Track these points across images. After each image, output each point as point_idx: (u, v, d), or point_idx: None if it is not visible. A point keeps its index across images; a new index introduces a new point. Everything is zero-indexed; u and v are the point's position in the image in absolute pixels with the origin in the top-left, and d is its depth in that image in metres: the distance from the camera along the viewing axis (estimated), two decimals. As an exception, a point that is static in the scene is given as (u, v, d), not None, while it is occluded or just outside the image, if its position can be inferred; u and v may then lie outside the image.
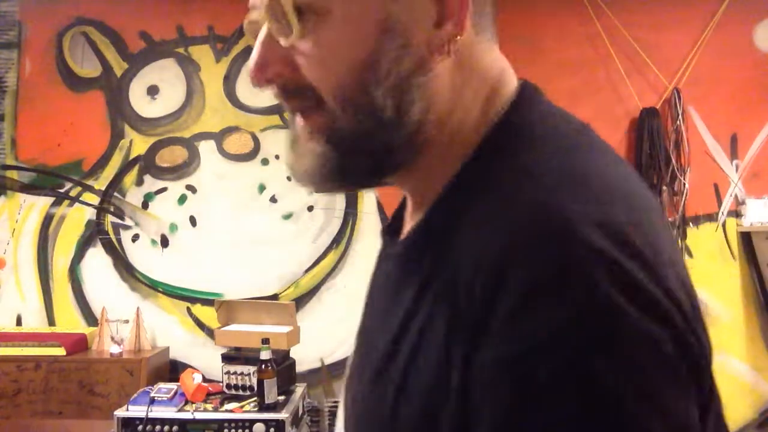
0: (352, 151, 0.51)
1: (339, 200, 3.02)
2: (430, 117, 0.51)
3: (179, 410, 2.30)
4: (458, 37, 0.49)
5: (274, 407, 2.30)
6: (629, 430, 0.38)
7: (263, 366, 2.29)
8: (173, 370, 2.92)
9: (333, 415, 2.92)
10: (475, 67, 0.52)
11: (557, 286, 0.39)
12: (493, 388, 0.41)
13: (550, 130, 0.51)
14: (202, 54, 3.04)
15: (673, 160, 2.90)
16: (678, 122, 2.91)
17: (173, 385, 2.41)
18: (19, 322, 2.99)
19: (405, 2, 0.48)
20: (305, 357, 2.88)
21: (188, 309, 3.00)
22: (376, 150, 0.51)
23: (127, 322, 2.89)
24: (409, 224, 0.59)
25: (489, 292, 0.41)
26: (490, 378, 0.41)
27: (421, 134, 0.51)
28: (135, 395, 2.37)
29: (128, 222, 3.02)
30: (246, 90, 3.03)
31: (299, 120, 0.54)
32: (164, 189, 3.03)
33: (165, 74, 3.04)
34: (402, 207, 0.65)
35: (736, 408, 2.89)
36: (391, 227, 0.64)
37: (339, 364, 2.97)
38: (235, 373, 2.42)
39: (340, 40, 0.48)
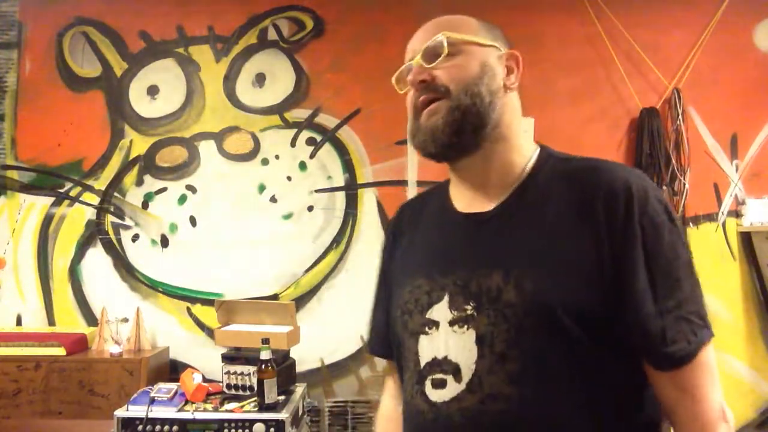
0: (465, 120, 0.92)
1: (339, 200, 3.02)
2: (501, 123, 0.95)
3: (179, 410, 2.30)
4: (515, 85, 0.97)
5: (274, 407, 2.30)
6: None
7: (263, 366, 2.29)
8: (173, 370, 2.92)
9: (333, 414, 2.92)
10: (517, 107, 0.99)
11: (656, 197, 0.86)
12: (657, 236, 0.84)
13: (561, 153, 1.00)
14: (202, 54, 3.04)
15: (673, 160, 2.90)
16: (678, 122, 2.91)
17: (173, 385, 2.41)
18: (19, 322, 2.99)
19: (493, 60, 0.96)
20: (305, 357, 2.88)
21: (188, 309, 3.00)
22: (478, 121, 0.92)
23: (127, 321, 2.89)
24: (471, 204, 0.97)
25: (625, 204, 0.84)
26: (653, 231, 0.83)
27: (497, 130, 0.94)
28: (135, 395, 2.37)
29: (128, 222, 3.02)
30: (246, 90, 3.03)
31: (427, 104, 0.94)
32: (164, 189, 3.03)
33: (165, 74, 3.04)
34: (405, 213, 1.13)
35: (736, 408, 2.89)
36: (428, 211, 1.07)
37: (339, 364, 2.97)
38: (235, 373, 2.42)
39: (463, 66, 0.94)
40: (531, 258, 0.85)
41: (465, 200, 0.97)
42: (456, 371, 0.86)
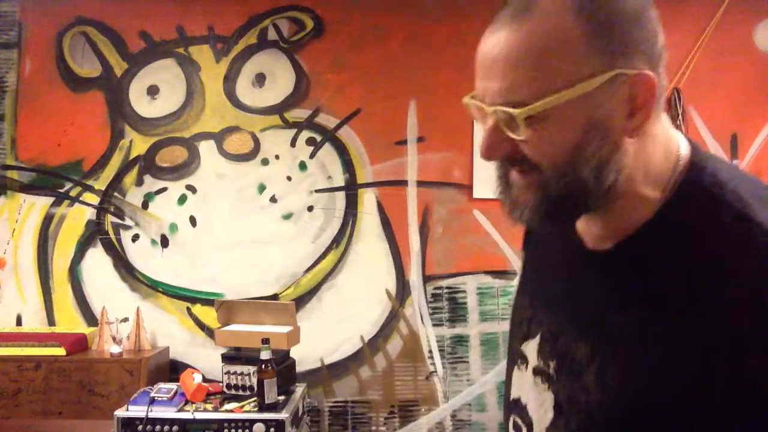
0: (559, 207, 0.67)
1: (339, 200, 3.02)
2: (620, 179, 0.66)
3: (179, 410, 2.30)
4: (645, 123, 0.65)
5: (274, 407, 2.30)
6: None
7: (263, 366, 2.29)
8: (173, 370, 2.92)
9: (333, 414, 2.93)
10: (650, 133, 0.68)
11: None
12: None
13: (732, 182, 0.66)
14: (202, 54, 3.04)
15: (673, 160, 2.90)
16: (678, 122, 2.91)
17: (173, 385, 2.41)
18: (19, 322, 2.99)
19: (606, 106, 0.63)
20: (305, 357, 2.88)
21: (188, 309, 3.00)
22: (577, 207, 0.68)
23: (127, 321, 2.89)
24: (588, 229, 0.75)
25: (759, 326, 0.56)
26: None
27: (612, 192, 0.66)
28: (135, 395, 2.37)
29: (128, 222, 3.02)
30: (246, 90, 3.03)
31: (515, 175, 0.69)
32: (164, 189, 3.03)
33: (165, 74, 3.04)
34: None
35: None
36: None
37: (339, 364, 2.97)
38: (235, 373, 2.42)
39: (556, 136, 0.64)
40: (628, 346, 0.65)
41: (585, 230, 0.76)
42: (530, 426, 0.77)
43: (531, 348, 0.79)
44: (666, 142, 0.70)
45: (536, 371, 0.77)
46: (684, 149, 0.70)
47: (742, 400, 0.57)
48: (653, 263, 0.66)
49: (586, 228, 0.75)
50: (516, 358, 0.82)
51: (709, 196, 0.65)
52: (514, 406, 0.82)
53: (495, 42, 0.65)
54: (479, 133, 0.69)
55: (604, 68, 0.62)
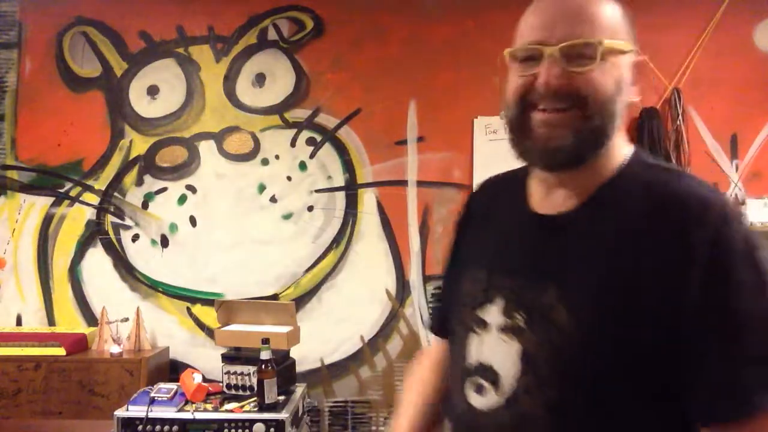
0: (590, 142, 0.82)
1: (339, 200, 3.02)
2: (614, 137, 0.85)
3: (179, 410, 2.30)
4: (636, 96, 0.87)
5: (274, 407, 2.30)
6: None
7: (263, 366, 2.29)
8: (173, 370, 2.92)
9: (333, 414, 2.93)
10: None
11: (743, 234, 0.76)
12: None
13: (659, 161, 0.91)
14: (202, 54, 3.04)
15: (673, 160, 2.89)
16: (678, 122, 2.91)
17: (173, 385, 2.41)
18: (19, 322, 2.99)
19: (626, 73, 0.86)
20: (305, 357, 2.88)
21: (188, 309, 3.00)
22: (602, 143, 0.83)
23: (127, 321, 2.89)
24: (545, 201, 0.89)
25: (710, 244, 0.74)
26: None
27: (611, 140, 0.84)
28: (135, 395, 2.37)
29: (128, 222, 3.02)
30: (246, 90, 3.03)
31: (548, 116, 0.82)
32: (164, 189, 3.03)
33: (165, 74, 3.04)
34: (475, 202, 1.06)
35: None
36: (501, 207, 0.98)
37: (339, 364, 2.97)
38: (235, 373, 2.42)
39: (608, 74, 0.82)
40: (591, 281, 0.79)
41: (541, 195, 0.90)
42: (496, 381, 0.84)
43: (492, 311, 0.87)
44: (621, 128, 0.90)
45: (503, 329, 0.85)
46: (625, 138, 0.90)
47: (708, 289, 0.73)
48: (616, 209, 0.82)
49: (543, 199, 0.90)
50: (470, 325, 0.89)
51: (649, 167, 0.87)
52: (473, 371, 0.87)
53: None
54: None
55: (630, 45, 0.87)
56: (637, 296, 0.76)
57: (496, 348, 0.85)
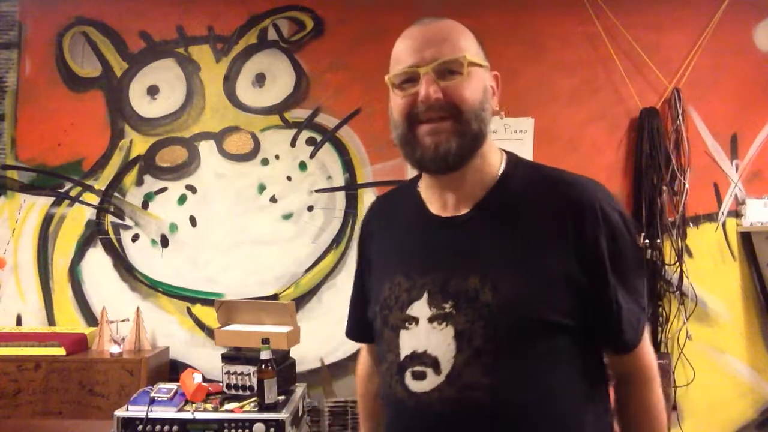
0: (470, 144, 0.96)
1: (339, 200, 3.02)
2: (485, 145, 1.00)
3: (179, 410, 2.30)
4: (501, 111, 1.00)
5: (274, 407, 2.30)
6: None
7: (263, 366, 2.29)
8: (173, 370, 2.92)
9: (333, 414, 2.92)
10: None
11: (617, 210, 0.98)
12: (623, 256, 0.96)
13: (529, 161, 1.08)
14: (202, 54, 3.04)
15: (673, 160, 2.89)
16: (678, 122, 2.91)
17: (173, 385, 2.41)
18: (19, 322, 2.99)
19: (488, 84, 1.00)
20: (305, 357, 2.88)
21: (188, 309, 3.00)
22: (478, 146, 0.97)
23: (127, 321, 2.89)
24: (445, 207, 1.02)
25: (592, 220, 0.94)
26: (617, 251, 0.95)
27: (483, 147, 0.99)
28: (135, 395, 2.37)
29: (128, 222, 3.02)
30: (246, 90, 3.03)
31: (434, 127, 0.95)
32: (164, 189, 3.03)
33: (165, 74, 3.04)
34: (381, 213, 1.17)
35: (736, 408, 2.89)
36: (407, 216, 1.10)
37: (339, 364, 2.97)
38: (235, 373, 2.42)
39: (476, 83, 0.96)
40: (505, 262, 0.94)
41: (439, 203, 1.02)
42: (435, 364, 0.93)
43: (419, 306, 0.96)
44: (492, 139, 1.03)
45: (432, 319, 0.95)
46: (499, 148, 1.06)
47: (606, 246, 0.94)
48: (511, 201, 0.98)
49: (440, 204, 1.02)
50: (401, 324, 0.98)
51: (530, 165, 1.04)
52: (408, 361, 0.96)
53: (429, 27, 0.97)
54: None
55: (486, 61, 1.00)
56: (544, 262, 0.92)
57: (429, 336, 0.94)
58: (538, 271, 0.92)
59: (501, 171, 1.01)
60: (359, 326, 1.18)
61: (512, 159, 1.04)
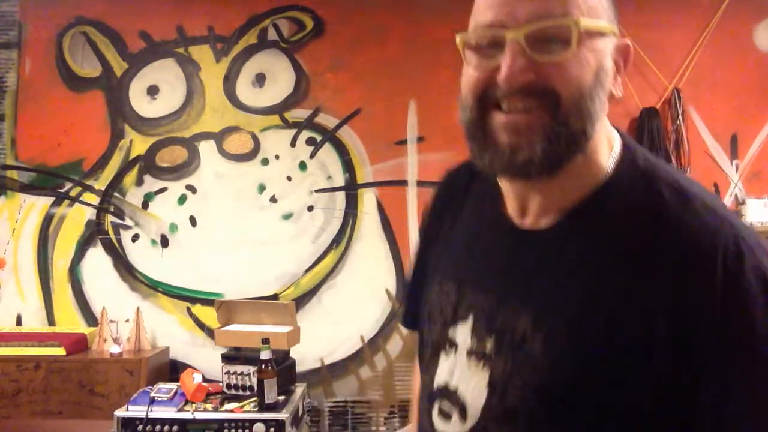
0: (564, 148, 0.67)
1: (339, 200, 3.02)
2: (591, 141, 0.69)
3: (179, 410, 2.30)
4: (620, 90, 0.71)
5: (274, 407, 2.30)
6: None
7: (263, 366, 2.29)
8: (173, 370, 2.92)
9: (333, 414, 2.93)
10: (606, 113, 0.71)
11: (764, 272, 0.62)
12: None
13: (658, 163, 0.73)
14: (202, 54, 3.04)
15: (673, 160, 2.90)
16: (678, 122, 2.91)
17: (173, 385, 2.41)
18: (19, 322, 2.99)
19: (607, 60, 0.69)
20: (305, 357, 2.88)
21: (188, 309, 3.00)
22: (578, 150, 0.68)
23: (127, 321, 2.89)
24: (523, 211, 0.75)
25: (708, 284, 0.61)
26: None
27: (591, 142, 0.69)
28: (135, 395, 2.37)
29: (128, 222, 3.02)
30: (246, 90, 3.03)
31: (513, 117, 0.67)
32: (164, 189, 3.03)
33: (165, 74, 3.04)
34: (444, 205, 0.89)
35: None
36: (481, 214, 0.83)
37: (339, 364, 2.97)
38: (235, 373, 2.42)
39: (582, 69, 0.66)
40: (570, 309, 0.68)
41: (517, 205, 0.76)
42: (463, 409, 0.75)
43: (462, 331, 0.77)
44: (606, 124, 0.73)
45: (470, 353, 0.75)
46: (615, 132, 0.75)
47: (718, 359, 0.61)
48: (602, 228, 0.69)
49: (519, 207, 0.76)
50: (442, 344, 0.80)
51: (644, 172, 0.70)
52: (438, 394, 0.79)
53: None
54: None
55: (612, 26, 0.70)
56: (620, 325, 0.64)
57: (462, 373, 0.76)
58: (610, 339, 0.64)
59: (608, 173, 0.71)
60: (413, 313, 0.93)
61: (626, 155, 0.73)
